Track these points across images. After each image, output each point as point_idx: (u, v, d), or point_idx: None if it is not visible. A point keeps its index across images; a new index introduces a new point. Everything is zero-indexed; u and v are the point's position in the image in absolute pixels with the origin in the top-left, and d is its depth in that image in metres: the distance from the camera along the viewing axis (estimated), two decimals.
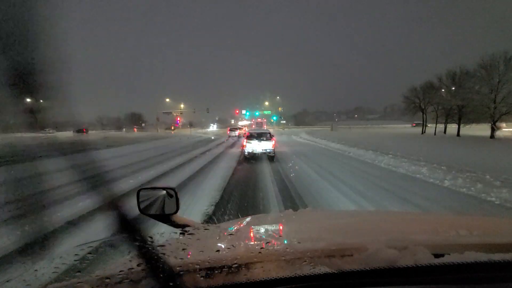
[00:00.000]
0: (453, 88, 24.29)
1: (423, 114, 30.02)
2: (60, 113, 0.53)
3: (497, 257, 0.56)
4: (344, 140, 17.41)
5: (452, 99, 23.33)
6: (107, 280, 0.56)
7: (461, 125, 24.14)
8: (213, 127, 79.02)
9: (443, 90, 26.64)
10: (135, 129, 75.71)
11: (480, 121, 22.44)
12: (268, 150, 10.40)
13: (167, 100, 61.38)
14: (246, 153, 10.65)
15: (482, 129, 23.97)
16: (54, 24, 0.44)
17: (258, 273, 0.57)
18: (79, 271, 0.66)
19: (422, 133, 29.51)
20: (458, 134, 24.02)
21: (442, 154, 10.70)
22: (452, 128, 29.04)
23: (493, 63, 20.34)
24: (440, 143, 16.82)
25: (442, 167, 7.66)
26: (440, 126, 29.09)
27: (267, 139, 10.67)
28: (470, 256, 0.57)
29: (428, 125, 31.66)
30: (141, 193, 1.18)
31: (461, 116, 23.77)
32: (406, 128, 51.50)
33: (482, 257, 0.56)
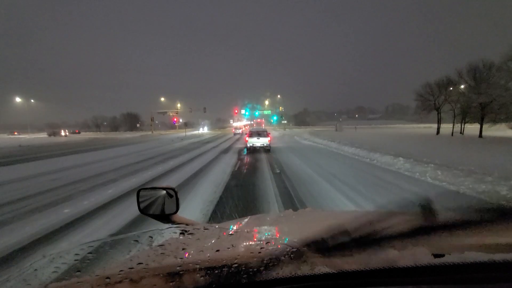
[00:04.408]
0: (475, 84, 21.79)
1: (438, 113, 27.44)
2: None
3: (498, 257, 0.55)
4: (357, 143, 14.98)
5: (474, 96, 20.79)
6: (107, 280, 0.56)
7: (471, 125, 21.69)
8: (203, 129, 59.91)
9: (462, 86, 24.14)
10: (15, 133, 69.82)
11: (507, 120, 19.97)
12: (265, 144, 13.91)
13: (162, 99, 58.99)
14: (248, 145, 14.00)
15: (500, 130, 21.72)
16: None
17: (258, 273, 0.56)
18: (79, 271, 0.66)
19: (437, 133, 26.99)
20: (480, 135, 21.57)
21: (496, 161, 8.19)
22: (467, 128, 26.68)
23: None
24: (472, 146, 14.29)
25: None
26: (452, 126, 26.61)
27: (264, 136, 14.07)
28: (470, 256, 0.56)
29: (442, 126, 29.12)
30: (141, 193, 1.18)
31: (484, 115, 21.30)
32: (415, 128, 49.23)
33: (482, 257, 0.55)
